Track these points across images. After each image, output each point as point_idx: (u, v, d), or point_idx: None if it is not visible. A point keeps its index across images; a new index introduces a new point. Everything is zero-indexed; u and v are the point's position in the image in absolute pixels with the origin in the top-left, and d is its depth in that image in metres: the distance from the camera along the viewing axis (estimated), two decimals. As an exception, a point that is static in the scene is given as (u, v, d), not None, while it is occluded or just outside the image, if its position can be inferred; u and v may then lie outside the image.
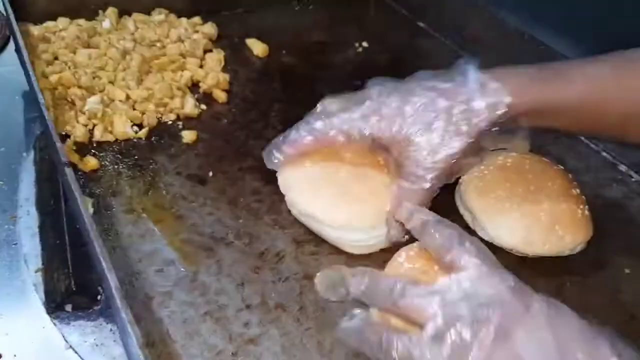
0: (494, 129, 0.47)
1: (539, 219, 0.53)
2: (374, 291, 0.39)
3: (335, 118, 0.48)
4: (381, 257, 0.49)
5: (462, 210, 0.57)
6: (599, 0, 0.72)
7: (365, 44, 0.85)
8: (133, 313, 0.36)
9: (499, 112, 0.45)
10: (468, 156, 0.48)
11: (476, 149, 0.49)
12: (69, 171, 0.41)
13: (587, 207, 0.56)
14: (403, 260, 0.43)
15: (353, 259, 0.50)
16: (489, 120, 0.45)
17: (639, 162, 0.68)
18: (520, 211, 0.53)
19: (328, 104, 0.52)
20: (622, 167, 0.69)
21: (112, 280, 0.34)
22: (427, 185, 0.46)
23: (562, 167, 0.60)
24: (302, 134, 0.49)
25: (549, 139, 0.67)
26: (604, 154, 0.70)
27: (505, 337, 0.33)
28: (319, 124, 0.49)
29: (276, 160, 0.51)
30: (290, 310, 0.46)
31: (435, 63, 0.79)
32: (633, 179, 0.67)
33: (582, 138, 0.73)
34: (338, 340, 0.42)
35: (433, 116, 0.45)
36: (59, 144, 0.43)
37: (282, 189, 0.53)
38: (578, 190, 0.57)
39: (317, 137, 0.49)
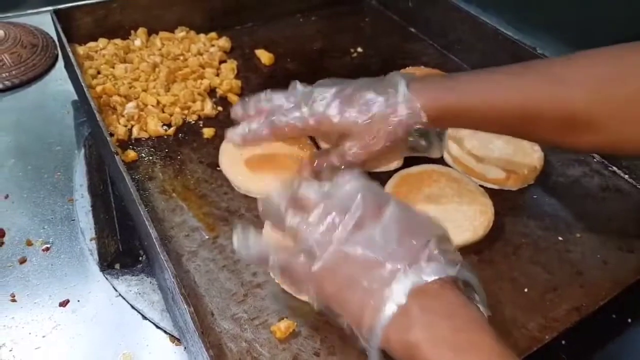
0: (413, 132, 0.53)
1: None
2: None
3: (288, 113, 0.55)
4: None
5: None
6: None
7: (360, 49, 0.92)
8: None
9: (413, 121, 0.51)
10: (386, 154, 0.55)
11: (394, 150, 0.54)
12: (117, 158, 0.53)
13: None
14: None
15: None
16: (406, 127, 0.51)
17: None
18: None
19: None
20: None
21: (152, 232, 0.46)
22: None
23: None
24: (261, 129, 0.56)
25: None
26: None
27: (361, 225, 0.41)
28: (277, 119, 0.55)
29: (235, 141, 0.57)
30: (289, 264, 0.57)
31: (422, 63, 0.90)
32: (595, 159, 0.76)
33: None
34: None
35: (366, 118, 0.52)
36: (108, 138, 0.55)
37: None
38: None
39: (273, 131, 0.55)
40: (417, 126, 0.52)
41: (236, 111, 0.60)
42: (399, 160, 0.67)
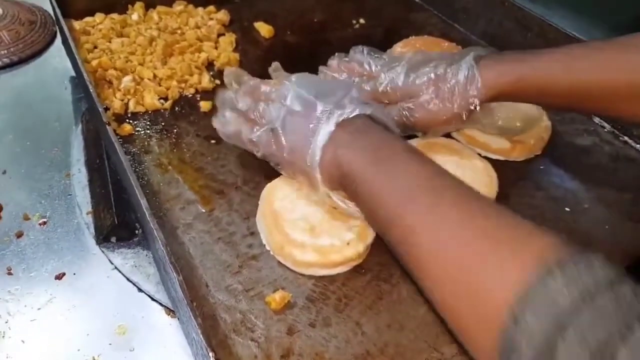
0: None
1: None
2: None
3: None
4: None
5: None
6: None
7: (362, 20, 0.91)
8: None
9: (477, 99, 0.55)
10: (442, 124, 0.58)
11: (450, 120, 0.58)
12: (109, 128, 0.52)
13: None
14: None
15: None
16: (467, 101, 0.55)
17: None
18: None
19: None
20: (596, 119, 0.76)
21: (143, 202, 0.45)
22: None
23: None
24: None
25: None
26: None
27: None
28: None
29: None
30: (286, 236, 0.55)
31: (426, 33, 0.88)
32: (605, 129, 0.75)
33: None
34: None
35: (431, 87, 0.56)
36: (101, 109, 0.54)
37: None
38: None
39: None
40: (477, 100, 0.55)
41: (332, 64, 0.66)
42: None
